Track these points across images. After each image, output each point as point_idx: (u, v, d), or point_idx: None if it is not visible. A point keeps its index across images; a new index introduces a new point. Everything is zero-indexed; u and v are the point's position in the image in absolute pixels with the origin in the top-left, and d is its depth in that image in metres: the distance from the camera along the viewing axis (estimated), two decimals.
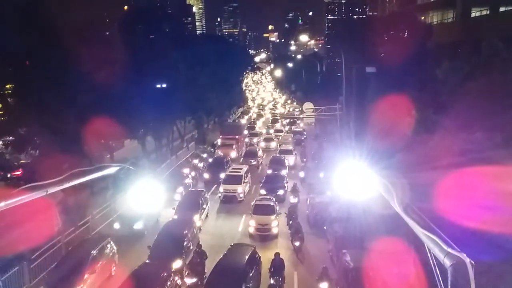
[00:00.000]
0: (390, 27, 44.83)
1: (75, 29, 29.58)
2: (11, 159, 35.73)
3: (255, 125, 77.22)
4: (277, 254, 20.49)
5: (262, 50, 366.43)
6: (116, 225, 26.58)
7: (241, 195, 34.33)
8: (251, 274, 19.30)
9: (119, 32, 40.78)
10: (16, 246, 20.06)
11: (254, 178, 39.29)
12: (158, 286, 17.91)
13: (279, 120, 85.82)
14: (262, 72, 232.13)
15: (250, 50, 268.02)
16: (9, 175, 36.02)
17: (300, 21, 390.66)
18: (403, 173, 15.96)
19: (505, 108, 22.17)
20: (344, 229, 23.28)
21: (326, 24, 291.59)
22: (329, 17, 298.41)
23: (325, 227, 26.28)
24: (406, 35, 43.17)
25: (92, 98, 30.01)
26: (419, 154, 24.07)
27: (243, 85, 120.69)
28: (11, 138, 33.71)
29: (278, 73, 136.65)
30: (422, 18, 51.66)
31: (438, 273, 10.92)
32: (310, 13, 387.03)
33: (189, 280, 19.78)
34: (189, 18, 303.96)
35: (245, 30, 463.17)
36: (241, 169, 37.65)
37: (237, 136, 55.22)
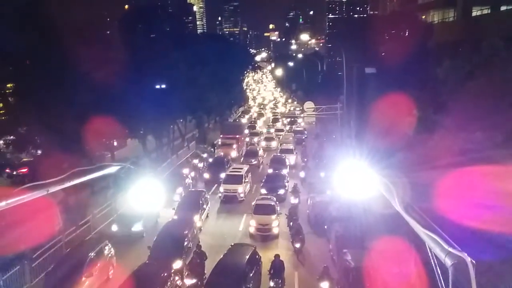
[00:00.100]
0: (391, 26, 44.85)
1: (75, 28, 29.54)
2: (11, 158, 35.73)
3: (256, 125, 77.18)
4: (277, 256, 20.32)
5: (263, 49, 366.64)
6: (114, 227, 26.26)
7: (242, 195, 34.21)
8: (251, 274, 19.26)
9: (119, 32, 40.72)
10: (17, 245, 20.06)
11: (255, 178, 39.26)
12: (158, 287, 17.86)
13: (280, 120, 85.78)
14: (263, 71, 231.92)
15: (250, 49, 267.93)
16: (15, 173, 36.18)
17: (301, 20, 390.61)
18: (403, 173, 15.97)
19: (506, 108, 22.16)
20: (345, 228, 23.24)
21: (327, 23, 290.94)
22: (330, 16, 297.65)
23: (325, 227, 26.27)
24: (407, 34, 43.22)
25: (92, 97, 29.97)
26: (419, 154, 24.07)
27: (244, 84, 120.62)
28: (11, 137, 33.74)
29: (279, 72, 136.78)
30: (423, 17, 51.67)
31: (439, 272, 10.92)
32: (311, 12, 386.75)
33: (189, 281, 19.70)
34: (190, 17, 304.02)
35: (245, 29, 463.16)
36: (241, 168, 37.53)
37: (237, 136, 55.10)
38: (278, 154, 47.30)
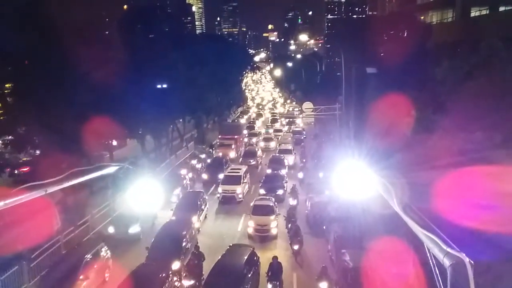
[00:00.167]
0: (389, 27, 44.86)
1: (74, 28, 29.54)
2: (12, 158, 35.72)
3: (255, 125, 77.23)
4: (275, 258, 20.26)
5: (262, 49, 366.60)
6: (111, 229, 26.07)
7: (240, 195, 34.19)
8: (249, 275, 19.25)
9: (118, 32, 40.69)
10: (15, 245, 20.01)
11: (254, 178, 39.26)
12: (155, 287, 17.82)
13: (279, 120, 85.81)
14: (261, 72, 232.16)
15: (249, 50, 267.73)
16: (16, 172, 36.19)
17: (299, 20, 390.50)
18: (402, 173, 15.98)
19: (505, 108, 22.18)
20: (344, 228, 23.26)
21: (326, 24, 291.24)
22: (329, 16, 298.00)
23: (324, 227, 26.28)
24: (405, 34, 43.21)
25: (91, 97, 29.97)
26: (418, 154, 24.04)
27: (243, 84, 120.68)
28: (10, 137, 33.72)
29: (278, 72, 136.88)
30: (422, 17, 51.71)
31: (438, 273, 10.92)
32: (310, 13, 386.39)
33: (187, 282, 19.64)
34: (189, 18, 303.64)
35: (244, 29, 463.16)
36: (240, 169, 37.52)
37: (236, 136, 54.97)
38: (277, 154, 47.30)
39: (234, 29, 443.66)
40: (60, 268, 18.92)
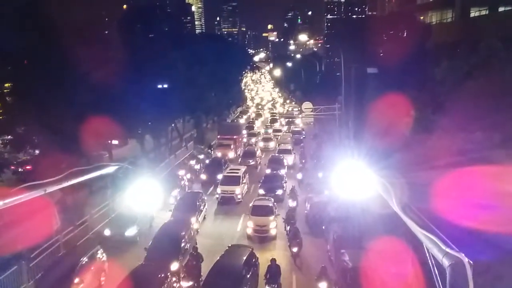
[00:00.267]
0: (389, 27, 44.88)
1: (74, 28, 29.56)
2: (12, 157, 35.75)
3: (254, 125, 77.18)
4: (273, 260, 19.94)
5: (261, 49, 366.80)
6: (107, 231, 25.62)
7: (239, 196, 34.03)
8: (248, 276, 19.20)
9: (118, 32, 40.69)
10: (15, 245, 19.99)
11: (253, 178, 39.22)
12: None
13: (278, 120, 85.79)
14: (261, 72, 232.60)
15: (249, 50, 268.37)
16: (20, 170, 36.18)
17: (299, 20, 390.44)
18: (401, 173, 15.98)
19: (504, 108, 22.19)
20: (343, 228, 23.23)
21: (326, 24, 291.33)
22: (329, 16, 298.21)
23: (323, 227, 26.26)
24: (405, 35, 43.23)
25: (91, 97, 29.98)
26: (417, 154, 24.06)
27: (242, 84, 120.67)
28: (9, 137, 33.74)
29: (277, 72, 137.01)
30: (421, 18, 51.73)
31: (437, 273, 10.92)
32: (310, 13, 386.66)
33: (185, 283, 19.56)
34: (188, 17, 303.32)
35: (244, 29, 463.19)
36: (239, 169, 37.35)
37: (235, 136, 54.75)
38: (276, 154, 47.23)
39: (233, 29, 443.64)
40: (55, 272, 18.70)
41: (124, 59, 32.62)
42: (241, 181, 35.00)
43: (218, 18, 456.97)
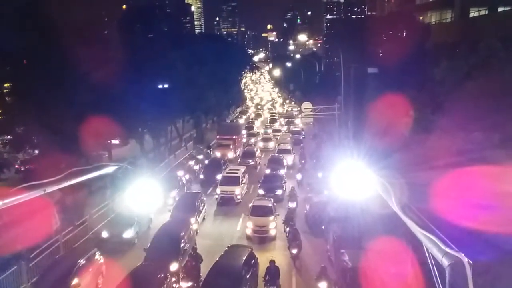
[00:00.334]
0: (388, 27, 44.90)
1: (74, 28, 29.58)
2: (9, 158, 35.75)
3: (253, 125, 77.15)
4: (272, 261, 19.82)
5: (261, 49, 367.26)
6: (105, 233, 25.30)
7: (239, 196, 33.90)
8: (248, 276, 19.17)
9: (117, 32, 40.74)
10: (14, 245, 20.00)
11: (252, 178, 39.20)
12: None
13: (278, 120, 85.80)
14: (260, 72, 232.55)
15: (248, 50, 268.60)
16: (23, 168, 36.16)
17: (299, 20, 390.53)
18: (401, 173, 15.97)
19: (504, 108, 22.20)
20: (342, 228, 23.22)
21: (325, 24, 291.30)
22: (328, 16, 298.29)
23: (323, 227, 26.25)
24: (404, 35, 43.23)
25: (91, 97, 30.00)
26: (417, 154, 24.08)
27: (242, 84, 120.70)
28: (8, 137, 33.76)
29: (277, 72, 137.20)
30: (421, 18, 51.74)
31: (436, 273, 10.92)
32: (309, 13, 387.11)
33: (185, 284, 19.52)
34: (188, 17, 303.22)
35: (243, 29, 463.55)
36: (238, 170, 37.22)
37: (234, 137, 54.47)
38: (276, 154, 47.21)
39: (233, 29, 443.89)
40: (52, 274, 18.50)
41: (123, 59, 32.67)
42: (240, 181, 34.89)
43: (217, 18, 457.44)
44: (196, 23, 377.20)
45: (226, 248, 21.58)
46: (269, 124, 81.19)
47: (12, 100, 33.09)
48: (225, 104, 77.24)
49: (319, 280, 18.97)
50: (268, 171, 39.16)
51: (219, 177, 36.84)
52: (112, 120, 30.80)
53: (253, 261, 20.74)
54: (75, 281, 18.49)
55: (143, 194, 19.30)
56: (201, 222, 29.21)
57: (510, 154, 19.61)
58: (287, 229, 25.80)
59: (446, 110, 26.27)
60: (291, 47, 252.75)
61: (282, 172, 39.24)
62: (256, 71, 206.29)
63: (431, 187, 13.26)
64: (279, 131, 71.37)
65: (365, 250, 19.17)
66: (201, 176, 40.29)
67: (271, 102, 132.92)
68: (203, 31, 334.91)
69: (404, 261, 16.39)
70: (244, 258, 20.00)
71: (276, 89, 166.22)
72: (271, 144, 58.18)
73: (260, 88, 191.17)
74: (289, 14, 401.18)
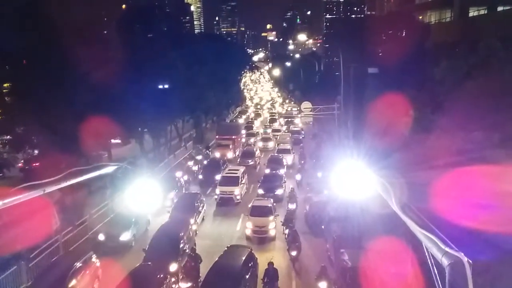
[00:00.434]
0: (388, 27, 44.90)
1: (74, 28, 29.59)
2: (8, 158, 35.75)
3: (253, 125, 77.08)
4: (270, 264, 19.75)
5: (260, 49, 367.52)
6: (101, 236, 24.96)
7: (238, 197, 33.81)
8: (247, 276, 19.16)
9: (117, 32, 40.73)
10: (14, 245, 19.99)
11: (252, 178, 39.17)
12: None
13: (277, 120, 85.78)
14: (260, 71, 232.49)
15: (248, 49, 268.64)
16: (27, 167, 36.16)
17: (298, 20, 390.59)
18: (401, 173, 15.96)
19: (503, 108, 22.20)
20: (342, 228, 23.23)
21: (325, 23, 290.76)
22: (328, 16, 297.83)
23: (323, 227, 26.25)
24: (404, 34, 43.24)
25: (90, 97, 30.00)
26: (417, 154, 24.07)
27: (241, 84, 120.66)
28: (8, 137, 33.74)
29: (276, 72, 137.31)
30: (420, 17, 51.75)
31: (436, 272, 10.92)
32: (309, 12, 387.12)
33: (184, 285, 19.50)
34: (187, 17, 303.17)
35: (243, 29, 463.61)
36: (237, 170, 37.13)
37: (233, 137, 54.35)
38: (276, 154, 47.19)
39: (232, 29, 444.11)
40: (47, 278, 18.28)
41: (123, 59, 32.67)
42: (240, 181, 34.80)
43: (217, 18, 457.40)
44: (195, 22, 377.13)
45: (226, 249, 21.51)
46: (268, 124, 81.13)
47: (12, 100, 33.08)
48: (224, 104, 77.25)
49: (319, 280, 18.99)
50: (267, 171, 39.12)
51: (218, 177, 36.78)
52: (112, 120, 30.79)
53: (252, 262, 20.70)
54: (70, 284, 18.31)
55: (142, 194, 19.28)
56: (201, 223, 29.15)
57: (510, 153, 19.60)
58: (286, 231, 25.61)
59: (446, 109, 26.26)
60: (291, 47, 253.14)
61: (282, 171, 39.22)
62: (256, 70, 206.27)
63: (431, 187, 13.25)
64: (278, 130, 71.29)
65: (365, 249, 19.18)
66: (200, 177, 40.17)
67: (271, 101, 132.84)
68: (203, 30, 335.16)
69: (404, 261, 16.38)
70: (243, 258, 19.96)
71: (276, 89, 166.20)
72: (271, 144, 58.08)
73: (260, 87, 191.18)
74: (289, 14, 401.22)
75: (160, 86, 43.35)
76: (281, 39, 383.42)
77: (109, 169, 27.04)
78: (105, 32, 41.45)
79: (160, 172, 38.72)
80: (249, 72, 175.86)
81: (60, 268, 18.99)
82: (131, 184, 20.05)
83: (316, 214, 28.03)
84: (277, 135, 65.53)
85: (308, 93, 75.38)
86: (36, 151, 34.79)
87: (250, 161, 46.21)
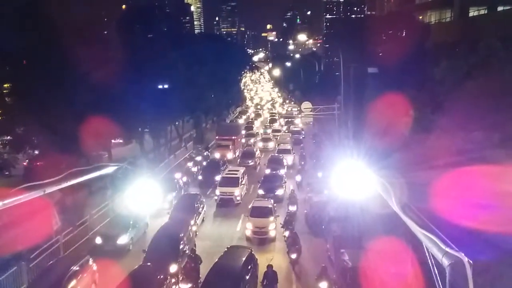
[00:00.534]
0: (388, 27, 44.90)
1: (74, 28, 29.60)
2: (8, 158, 35.74)
3: (253, 125, 77.04)
4: (269, 266, 19.62)
5: (261, 49, 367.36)
6: (98, 240, 24.62)
7: (238, 198, 33.70)
8: (247, 277, 19.13)
9: (117, 32, 40.73)
10: (14, 245, 19.99)
11: (252, 179, 39.14)
12: None
13: (278, 120, 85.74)
14: (260, 72, 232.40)
15: (248, 49, 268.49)
16: (32, 166, 36.15)
17: (298, 20, 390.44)
18: (401, 173, 15.97)
19: (503, 108, 22.19)
20: (342, 228, 23.23)
21: (325, 24, 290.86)
22: (328, 16, 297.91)
23: (323, 227, 26.24)
24: (404, 34, 43.24)
25: (90, 97, 30.00)
26: (417, 154, 24.07)
27: (241, 84, 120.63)
28: (8, 137, 33.72)
29: (277, 72, 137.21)
30: (420, 17, 51.75)
31: (436, 272, 10.92)
32: (309, 12, 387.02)
33: (184, 286, 19.47)
34: (187, 17, 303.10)
35: (243, 29, 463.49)
36: (237, 171, 37.02)
37: (233, 137, 54.18)
38: (276, 154, 47.17)
39: (232, 29, 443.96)
40: (42, 282, 18.05)
41: (123, 59, 32.66)
42: (240, 182, 34.70)
43: (217, 18, 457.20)
44: (195, 23, 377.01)
45: (226, 249, 21.49)
46: (268, 124, 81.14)
47: (12, 100, 33.06)
48: (224, 104, 77.27)
49: (320, 280, 18.98)
50: (268, 171, 39.09)
51: (218, 178, 36.69)
52: (112, 120, 30.79)
53: (252, 262, 20.66)
54: None
55: (142, 195, 19.27)
56: (201, 224, 29.08)
57: (510, 153, 19.60)
58: (286, 233, 25.36)
59: (446, 109, 26.25)
60: (291, 47, 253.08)
61: (282, 172, 39.20)
62: (256, 71, 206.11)
63: (431, 187, 13.26)
64: (278, 131, 71.26)
65: (365, 249, 19.18)
66: (200, 177, 40.06)
67: (271, 102, 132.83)
68: (203, 31, 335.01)
69: (404, 261, 16.39)
70: (243, 259, 19.93)
71: (276, 89, 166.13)
72: (271, 144, 58.04)
73: (260, 88, 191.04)
74: (289, 14, 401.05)
75: (160, 86, 43.35)
76: (281, 39, 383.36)
77: (109, 170, 27.04)
78: (105, 32, 41.44)
79: (160, 173, 38.67)
80: (249, 72, 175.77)
81: (56, 272, 18.68)
82: (131, 184, 20.07)
83: (316, 214, 28.03)
84: (277, 135, 65.46)
85: (308, 93, 75.39)
86: (36, 152, 34.72)
87: (250, 161, 46.15)
